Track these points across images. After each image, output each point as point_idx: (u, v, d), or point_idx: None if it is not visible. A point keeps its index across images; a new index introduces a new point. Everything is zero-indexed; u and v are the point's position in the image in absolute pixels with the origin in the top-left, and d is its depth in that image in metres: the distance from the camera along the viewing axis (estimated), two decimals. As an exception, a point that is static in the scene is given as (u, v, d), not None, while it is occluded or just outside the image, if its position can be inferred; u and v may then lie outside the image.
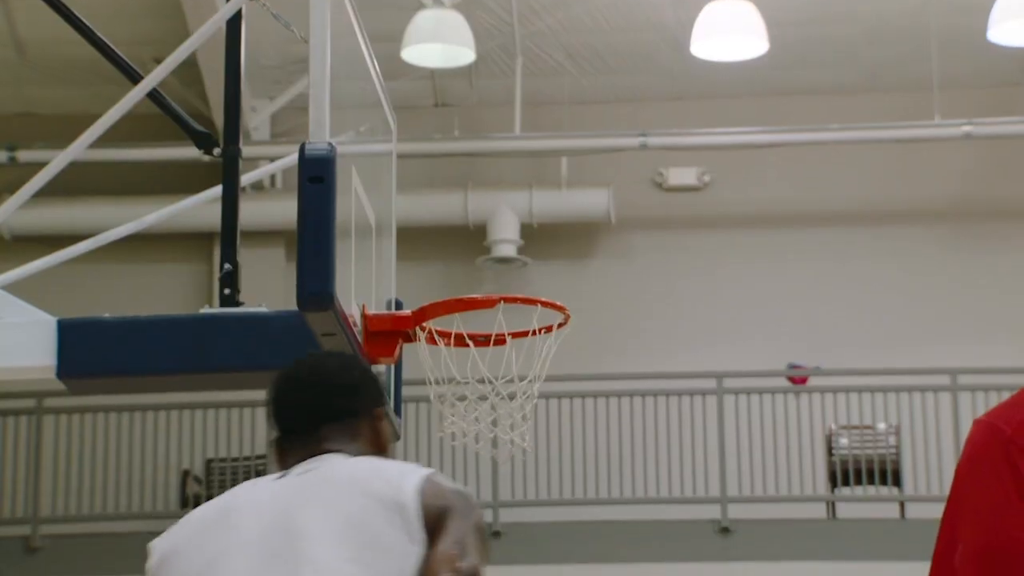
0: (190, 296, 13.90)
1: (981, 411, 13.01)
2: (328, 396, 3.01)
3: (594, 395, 13.17)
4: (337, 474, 2.86)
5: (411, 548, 2.76)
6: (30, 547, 12.83)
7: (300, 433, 3.00)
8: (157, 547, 2.91)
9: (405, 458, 12.94)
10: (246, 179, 5.91)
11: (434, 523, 2.79)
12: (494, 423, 5.67)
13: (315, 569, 2.72)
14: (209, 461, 13.34)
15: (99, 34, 5.53)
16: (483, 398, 5.55)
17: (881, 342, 13.92)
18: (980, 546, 2.32)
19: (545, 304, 5.70)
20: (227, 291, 5.21)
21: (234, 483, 13.08)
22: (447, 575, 2.72)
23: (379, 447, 3.03)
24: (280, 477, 2.92)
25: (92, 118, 5.34)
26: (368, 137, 5.79)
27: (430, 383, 5.51)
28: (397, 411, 5.74)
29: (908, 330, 14.02)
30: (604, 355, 13.62)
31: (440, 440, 11.71)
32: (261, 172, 7.44)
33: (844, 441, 13.13)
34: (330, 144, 4.61)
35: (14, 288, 5.31)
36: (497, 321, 5.46)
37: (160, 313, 5.37)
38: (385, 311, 5.53)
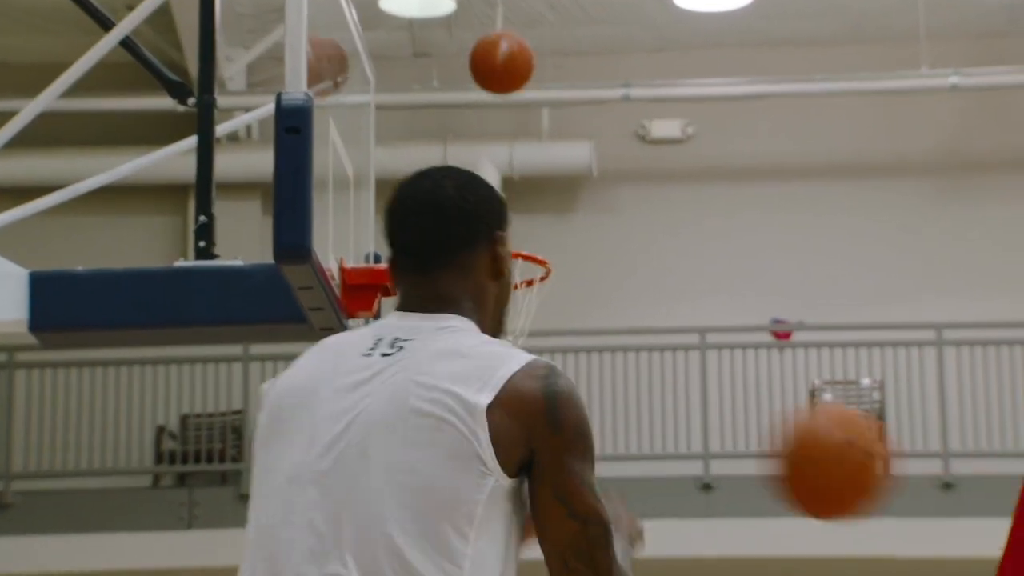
0: (165, 249, 13.85)
1: (966, 366, 13.09)
2: (444, 226, 2.84)
3: (576, 350, 13.18)
4: (420, 376, 2.68)
5: (482, 482, 2.61)
6: (2, 503, 12.82)
7: (412, 264, 2.85)
8: (267, 396, 2.83)
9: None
10: (221, 130, 5.89)
11: (523, 449, 2.64)
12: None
13: (361, 538, 2.62)
14: (184, 417, 13.33)
15: (70, -19, 5.49)
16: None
17: (866, 296, 13.93)
18: None
19: (527, 258, 5.70)
20: (202, 244, 5.19)
21: (209, 439, 13.17)
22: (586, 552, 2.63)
23: (497, 274, 2.88)
24: (371, 351, 2.76)
25: (64, 67, 5.31)
26: (346, 88, 5.77)
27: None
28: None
29: (893, 284, 14.04)
30: (587, 310, 13.63)
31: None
32: (237, 122, 7.40)
33: (828, 396, 13.17)
34: (307, 94, 4.59)
35: (-15, 240, 5.29)
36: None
37: (134, 266, 5.35)
38: (363, 264, 5.52)
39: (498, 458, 2.62)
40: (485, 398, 2.64)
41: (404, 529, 2.61)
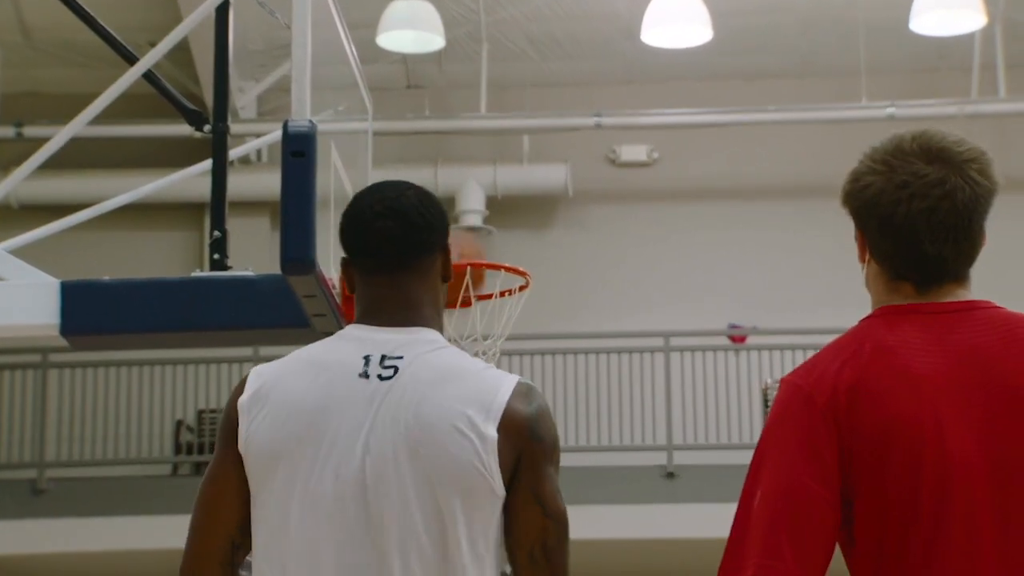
0: (183, 261, 13.84)
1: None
2: (409, 231, 2.76)
3: (553, 352, 13.18)
4: (425, 400, 2.61)
5: (496, 497, 2.61)
6: (37, 489, 12.79)
7: (376, 266, 2.75)
8: (259, 393, 2.67)
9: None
10: (234, 154, 5.87)
11: (512, 463, 2.62)
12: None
13: (403, 544, 2.58)
14: (200, 412, 13.31)
15: (99, 20, 5.48)
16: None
17: (810, 304, 13.96)
18: (776, 490, 2.32)
19: (508, 269, 5.70)
20: (216, 256, 5.18)
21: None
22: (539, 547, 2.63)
23: (447, 277, 2.83)
24: (365, 371, 2.65)
25: (92, 97, 5.29)
26: (346, 116, 5.77)
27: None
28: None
29: (834, 292, 14.05)
30: (563, 316, 13.63)
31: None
32: (248, 147, 7.39)
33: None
34: (311, 122, 4.59)
35: (21, 253, 5.27)
36: (465, 284, 5.45)
37: (155, 276, 5.34)
38: (361, 275, 5.51)
39: (503, 469, 2.62)
40: (492, 425, 2.62)
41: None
